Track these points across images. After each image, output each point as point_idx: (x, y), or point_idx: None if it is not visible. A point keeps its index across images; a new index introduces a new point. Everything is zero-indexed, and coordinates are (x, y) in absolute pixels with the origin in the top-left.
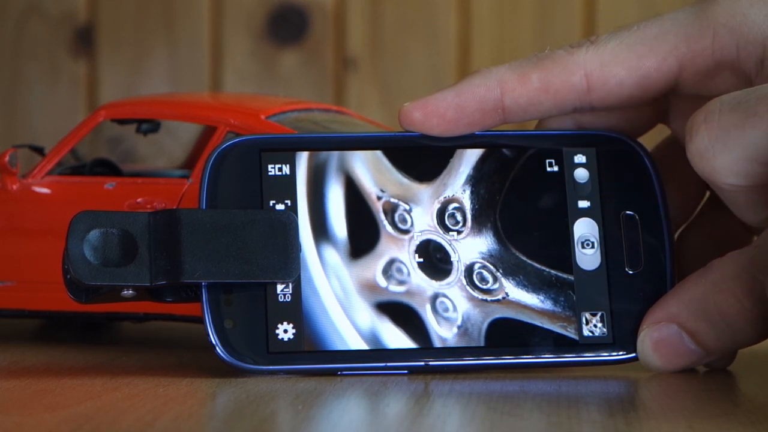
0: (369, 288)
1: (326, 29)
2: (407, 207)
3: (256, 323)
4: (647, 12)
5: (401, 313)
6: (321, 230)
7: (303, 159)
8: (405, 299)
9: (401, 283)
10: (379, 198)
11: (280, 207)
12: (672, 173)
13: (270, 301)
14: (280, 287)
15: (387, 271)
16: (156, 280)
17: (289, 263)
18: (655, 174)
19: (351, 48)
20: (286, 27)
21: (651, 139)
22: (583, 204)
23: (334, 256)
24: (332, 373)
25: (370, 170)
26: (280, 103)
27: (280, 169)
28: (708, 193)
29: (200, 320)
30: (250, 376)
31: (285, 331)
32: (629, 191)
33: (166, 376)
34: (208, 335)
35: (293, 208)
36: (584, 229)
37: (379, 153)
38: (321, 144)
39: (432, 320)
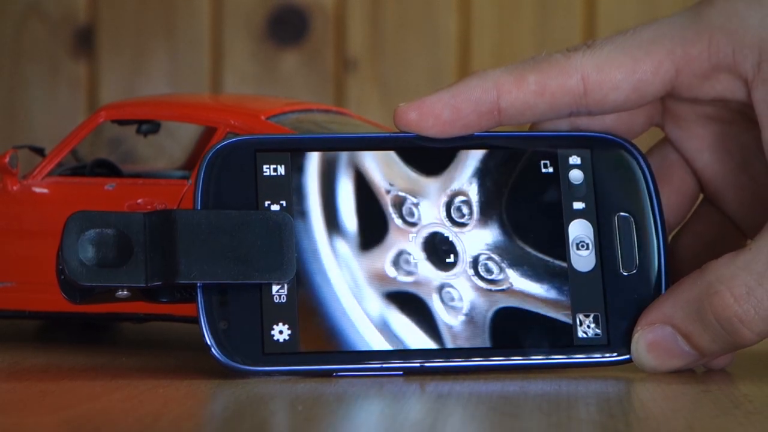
0: (369, 285)
1: (326, 30)
2: (415, 200)
3: (252, 324)
4: (648, 12)
5: (408, 303)
6: (319, 230)
7: (299, 159)
8: (412, 289)
9: (409, 273)
10: (387, 192)
11: (275, 207)
12: (666, 175)
13: (265, 302)
14: (275, 288)
15: (396, 263)
16: (151, 280)
17: (285, 264)
18: (649, 176)
19: (351, 49)
20: (287, 28)
21: (645, 142)
22: (578, 205)
23: (330, 257)
24: (328, 374)
25: (378, 165)
26: (281, 104)
27: (276, 170)
28: (702, 195)
29: None
30: (245, 377)
31: (280, 332)
32: (624, 193)
33: (166, 377)
34: (204, 336)
35: (288, 209)
36: (579, 230)
37: None
38: (316, 144)
39: (440, 309)
